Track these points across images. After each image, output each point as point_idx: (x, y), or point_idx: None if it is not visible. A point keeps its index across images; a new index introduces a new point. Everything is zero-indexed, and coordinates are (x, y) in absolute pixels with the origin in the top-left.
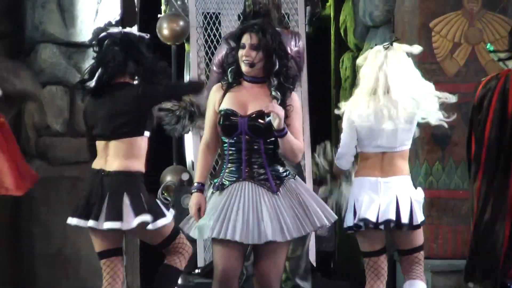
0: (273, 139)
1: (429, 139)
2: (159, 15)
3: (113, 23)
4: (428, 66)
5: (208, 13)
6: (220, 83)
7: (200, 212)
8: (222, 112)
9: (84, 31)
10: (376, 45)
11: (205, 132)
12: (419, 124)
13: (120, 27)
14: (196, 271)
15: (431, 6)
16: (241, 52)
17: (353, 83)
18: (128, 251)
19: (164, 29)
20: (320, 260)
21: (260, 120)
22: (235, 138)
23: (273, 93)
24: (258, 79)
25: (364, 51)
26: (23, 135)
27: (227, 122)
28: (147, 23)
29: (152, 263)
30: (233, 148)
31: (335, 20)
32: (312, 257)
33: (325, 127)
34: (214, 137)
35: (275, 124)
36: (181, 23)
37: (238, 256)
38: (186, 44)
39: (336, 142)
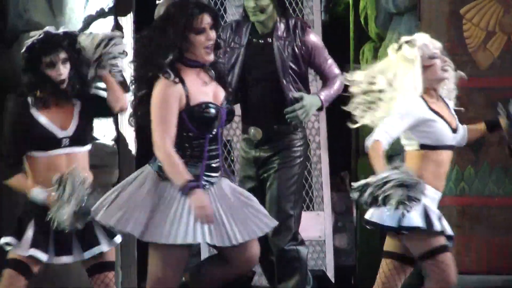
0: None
1: None
2: (157, 1)
3: (106, 10)
4: (458, 58)
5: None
6: (167, 79)
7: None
8: (203, 106)
9: (73, 20)
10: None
11: (170, 132)
12: None
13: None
14: None
15: None
16: (202, 37)
17: None
18: (124, 265)
19: None
20: (339, 276)
21: (232, 109)
22: (214, 132)
23: (210, 73)
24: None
25: (387, 40)
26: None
27: (212, 116)
28: (144, 10)
29: None
30: (213, 143)
31: (354, 6)
32: (331, 272)
33: (342, 123)
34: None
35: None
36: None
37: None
38: None
39: (357, 141)
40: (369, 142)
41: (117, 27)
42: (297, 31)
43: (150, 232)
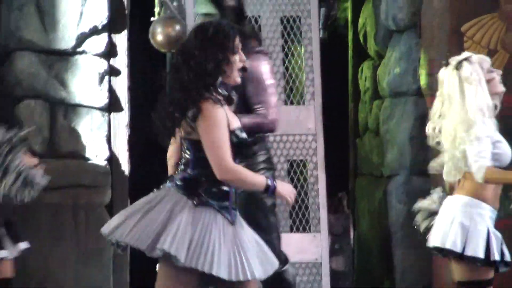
0: None
1: None
2: (152, 19)
3: (100, 27)
4: None
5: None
6: (214, 100)
7: None
8: (239, 131)
9: (66, 37)
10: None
11: (229, 152)
12: None
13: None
14: None
15: (463, 8)
16: (237, 58)
17: (374, 95)
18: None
19: (158, 34)
20: None
21: None
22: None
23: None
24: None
25: (386, 58)
26: None
27: (245, 141)
28: (138, 27)
29: None
30: None
31: (353, 23)
32: None
33: (342, 143)
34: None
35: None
36: (177, 27)
37: None
38: None
39: (354, 162)
40: (480, 174)
41: (111, 44)
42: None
43: (193, 257)
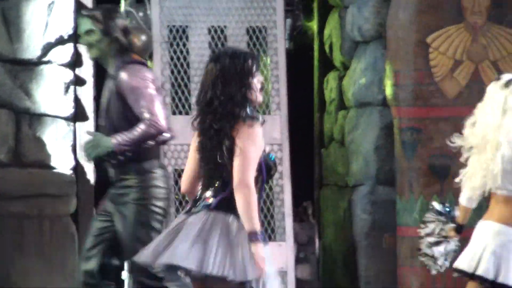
0: None
1: (426, 170)
2: None
3: (65, 37)
4: (425, 87)
5: (174, 26)
6: (257, 120)
7: None
8: (269, 153)
9: (32, 47)
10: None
11: (254, 169)
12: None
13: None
14: None
15: (429, 19)
16: (256, 80)
17: (339, 105)
18: None
19: None
20: None
21: None
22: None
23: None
24: None
25: (352, 69)
26: None
27: (273, 164)
28: None
29: None
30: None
31: (319, 34)
32: None
33: (307, 153)
34: None
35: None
36: (143, 37)
37: None
38: (149, 62)
39: (320, 172)
40: None
41: (77, 54)
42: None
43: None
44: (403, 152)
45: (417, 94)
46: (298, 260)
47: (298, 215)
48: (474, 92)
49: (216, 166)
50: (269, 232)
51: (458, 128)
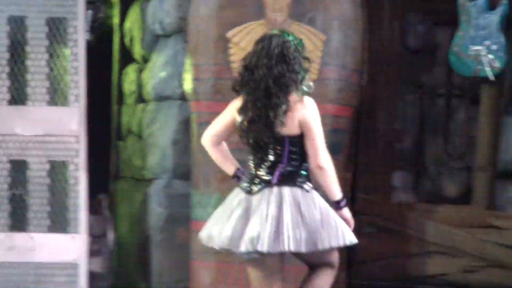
0: None
1: None
2: None
3: None
4: (224, 82)
5: (12, 16)
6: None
7: None
8: None
9: None
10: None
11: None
12: None
13: None
14: None
15: (230, 15)
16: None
17: (138, 98)
18: None
19: None
20: None
21: None
22: None
23: None
24: None
25: (152, 62)
26: None
27: None
28: None
29: None
30: None
31: (120, 27)
32: None
33: (104, 145)
34: None
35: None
36: None
37: None
38: None
39: (116, 164)
40: None
41: None
42: None
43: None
44: (200, 147)
45: (216, 89)
46: (91, 253)
47: (93, 208)
48: None
49: (269, 143)
50: (63, 224)
51: None
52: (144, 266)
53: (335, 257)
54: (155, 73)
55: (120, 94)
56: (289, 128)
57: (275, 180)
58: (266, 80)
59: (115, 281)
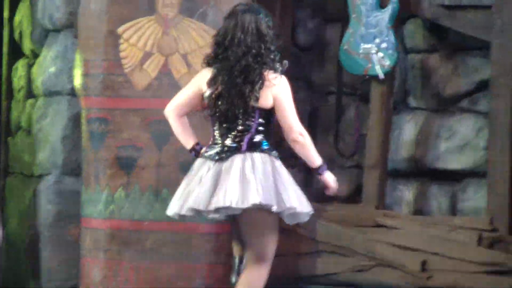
0: None
1: (113, 162)
2: None
3: None
4: (114, 78)
5: None
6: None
7: None
8: None
9: None
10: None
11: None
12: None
13: None
14: None
15: (120, 10)
16: None
17: (28, 94)
18: None
19: None
20: None
21: None
22: None
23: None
24: None
25: (42, 57)
26: None
27: None
28: None
29: None
30: None
31: (9, 21)
32: None
33: None
34: None
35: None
36: None
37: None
38: None
39: (6, 160)
40: None
41: None
42: None
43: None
44: (90, 143)
45: (106, 85)
46: None
47: None
48: (164, 85)
49: (239, 114)
50: None
51: (147, 120)
52: (33, 264)
53: (270, 250)
54: (45, 68)
55: (10, 89)
56: (262, 102)
57: (244, 147)
58: (247, 58)
59: (4, 279)
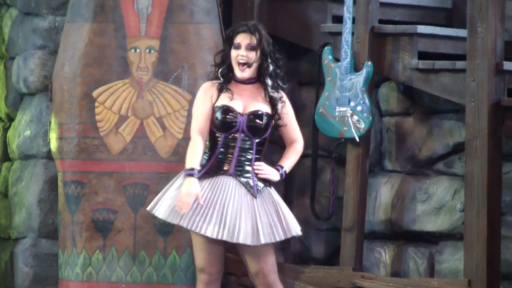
0: (263, 140)
1: (89, 225)
2: None
3: None
4: (89, 141)
5: None
6: (211, 81)
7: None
8: (221, 107)
9: None
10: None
11: (197, 123)
12: None
13: None
14: None
15: (94, 73)
16: (235, 53)
17: (4, 157)
18: None
19: None
20: None
21: (258, 121)
22: (231, 135)
23: (271, 93)
24: (250, 80)
25: (17, 121)
26: None
27: (227, 118)
28: None
29: None
30: (225, 144)
31: None
32: None
33: None
34: (206, 130)
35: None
36: None
37: (218, 254)
38: None
39: None
40: None
41: None
42: None
43: None
44: (66, 206)
45: (81, 148)
46: None
47: None
48: (139, 148)
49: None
50: None
51: (122, 183)
52: None
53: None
54: (20, 131)
55: None
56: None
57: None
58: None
59: None
